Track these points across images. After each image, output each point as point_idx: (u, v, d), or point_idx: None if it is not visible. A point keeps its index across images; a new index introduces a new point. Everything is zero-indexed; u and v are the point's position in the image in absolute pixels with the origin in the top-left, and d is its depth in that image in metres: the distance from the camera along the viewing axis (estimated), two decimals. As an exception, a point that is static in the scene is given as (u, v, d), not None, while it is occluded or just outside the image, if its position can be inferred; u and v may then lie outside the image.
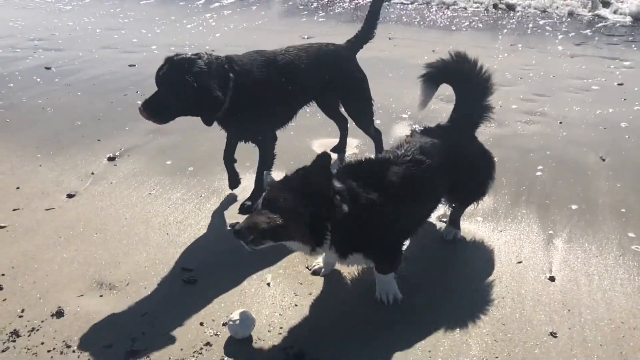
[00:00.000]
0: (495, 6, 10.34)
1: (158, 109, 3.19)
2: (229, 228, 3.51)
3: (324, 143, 4.40)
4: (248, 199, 3.71)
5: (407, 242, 3.06)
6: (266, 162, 3.69)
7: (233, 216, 3.63)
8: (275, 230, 2.33)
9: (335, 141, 4.57)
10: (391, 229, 2.65)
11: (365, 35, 4.12)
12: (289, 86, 3.56)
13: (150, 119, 3.20)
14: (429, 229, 3.46)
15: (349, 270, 3.05)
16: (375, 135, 4.29)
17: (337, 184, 2.46)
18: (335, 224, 2.42)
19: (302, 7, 11.37)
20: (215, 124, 3.47)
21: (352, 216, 2.43)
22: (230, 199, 3.86)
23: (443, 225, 3.48)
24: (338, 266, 3.04)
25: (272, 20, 10.65)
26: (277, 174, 4.14)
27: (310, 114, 4.85)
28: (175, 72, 3.14)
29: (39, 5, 11.92)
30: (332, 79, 3.86)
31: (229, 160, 3.85)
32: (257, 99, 3.39)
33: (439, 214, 3.54)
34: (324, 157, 2.36)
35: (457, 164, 2.96)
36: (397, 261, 2.79)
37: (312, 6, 11.31)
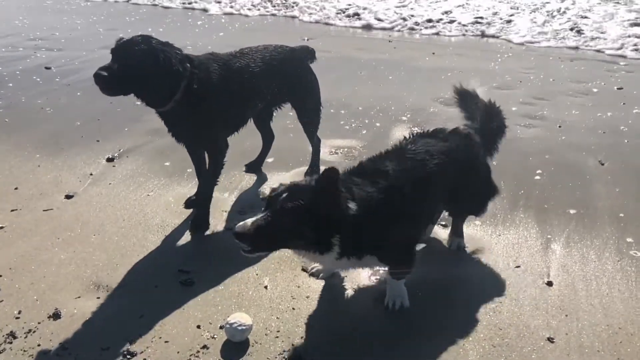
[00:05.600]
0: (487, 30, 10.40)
1: (112, 77, 2.97)
2: (227, 230, 3.51)
3: (324, 143, 4.38)
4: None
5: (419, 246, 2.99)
6: (215, 172, 3.51)
7: (231, 218, 3.63)
8: (276, 245, 2.38)
9: (335, 141, 4.54)
10: (404, 231, 2.63)
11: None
12: (242, 85, 3.44)
13: (101, 87, 2.99)
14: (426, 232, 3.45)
15: (347, 274, 3.05)
16: (316, 143, 4.23)
17: (347, 199, 2.39)
18: (344, 234, 2.38)
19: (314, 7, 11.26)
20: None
21: (363, 224, 2.39)
22: (228, 202, 3.85)
23: (440, 229, 3.48)
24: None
25: (279, 18, 10.65)
26: (276, 174, 4.18)
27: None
28: (135, 43, 3.05)
29: (52, 5, 11.91)
30: (285, 82, 3.77)
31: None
32: (209, 96, 3.26)
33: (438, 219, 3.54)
34: (331, 173, 2.30)
35: (456, 171, 2.94)
36: (412, 265, 2.76)
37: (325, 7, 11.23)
